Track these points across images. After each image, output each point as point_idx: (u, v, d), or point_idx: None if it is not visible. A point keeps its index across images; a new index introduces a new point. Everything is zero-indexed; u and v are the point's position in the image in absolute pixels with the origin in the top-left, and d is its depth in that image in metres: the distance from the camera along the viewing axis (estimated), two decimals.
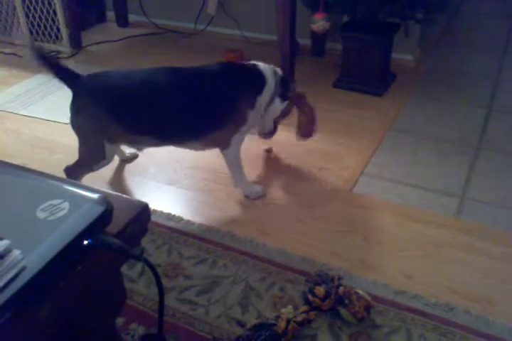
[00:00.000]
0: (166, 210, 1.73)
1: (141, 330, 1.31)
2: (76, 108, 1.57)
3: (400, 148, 2.10)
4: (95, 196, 0.76)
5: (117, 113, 1.56)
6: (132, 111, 1.57)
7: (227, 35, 3.14)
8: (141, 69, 1.62)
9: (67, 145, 2.09)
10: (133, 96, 1.55)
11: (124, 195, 0.86)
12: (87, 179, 1.74)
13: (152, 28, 3.29)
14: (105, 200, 0.75)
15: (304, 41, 2.90)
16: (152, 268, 0.79)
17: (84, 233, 0.71)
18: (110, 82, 1.57)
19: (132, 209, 0.82)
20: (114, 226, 0.77)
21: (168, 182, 1.91)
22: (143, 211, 0.82)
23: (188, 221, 1.68)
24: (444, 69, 2.75)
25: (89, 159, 1.68)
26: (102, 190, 0.82)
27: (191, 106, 1.59)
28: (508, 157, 2.03)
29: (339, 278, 1.38)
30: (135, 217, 0.81)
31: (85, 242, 0.71)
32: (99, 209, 0.74)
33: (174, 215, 1.70)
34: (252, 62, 1.81)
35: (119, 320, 1.32)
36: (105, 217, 0.74)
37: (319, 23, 2.36)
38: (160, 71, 1.61)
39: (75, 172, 1.71)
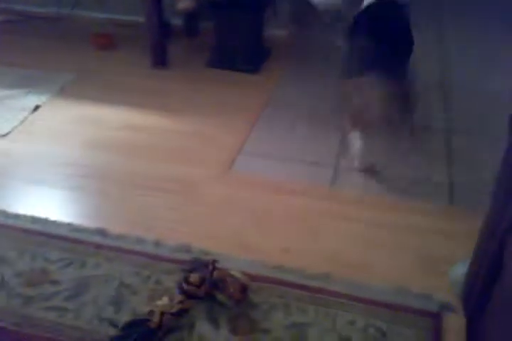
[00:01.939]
0: (29, 213, 1.59)
1: None
2: None
3: (277, 124, 2.09)
4: None
5: None
6: None
7: (94, 19, 2.94)
8: None
9: None
10: None
11: None
12: None
13: (10, 15, 3.00)
14: None
15: (178, 21, 2.79)
16: None
17: None
18: None
19: None
20: None
21: (32, 181, 1.76)
22: None
23: (54, 222, 1.56)
24: (317, 44, 2.78)
25: None
26: None
27: None
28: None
29: (214, 263, 1.34)
30: None
31: None
32: None
33: (39, 217, 1.57)
34: None
35: None
36: None
37: (184, 1, 2.28)
38: None
39: None
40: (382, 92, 1.64)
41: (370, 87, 1.66)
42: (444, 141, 2.00)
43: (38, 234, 1.51)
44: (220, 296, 1.29)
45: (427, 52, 2.59)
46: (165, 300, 1.28)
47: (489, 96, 2.26)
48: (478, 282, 1.26)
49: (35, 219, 1.56)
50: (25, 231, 1.52)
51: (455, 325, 1.28)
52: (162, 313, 1.23)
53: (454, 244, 1.52)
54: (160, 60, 2.46)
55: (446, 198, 1.70)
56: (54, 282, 1.36)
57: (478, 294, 1.26)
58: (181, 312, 1.26)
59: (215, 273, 1.30)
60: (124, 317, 1.26)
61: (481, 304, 1.22)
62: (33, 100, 2.19)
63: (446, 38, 2.81)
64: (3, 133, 1.99)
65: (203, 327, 1.25)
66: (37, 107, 2.15)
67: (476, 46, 2.72)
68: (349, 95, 1.78)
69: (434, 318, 1.30)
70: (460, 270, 1.38)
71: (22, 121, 2.06)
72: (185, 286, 1.29)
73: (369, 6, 1.82)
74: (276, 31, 2.74)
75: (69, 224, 1.55)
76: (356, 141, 1.78)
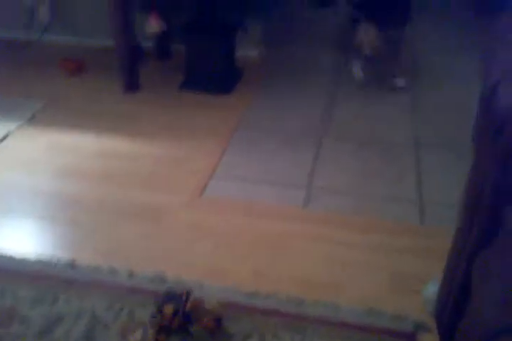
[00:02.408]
0: None
1: None
2: None
3: (249, 146, 2.10)
4: None
5: None
6: None
7: (63, 44, 2.92)
8: None
9: None
10: None
11: None
12: None
13: None
14: None
15: (150, 44, 2.79)
16: None
17: None
18: None
19: None
20: None
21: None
22: None
23: (22, 257, 1.52)
24: (288, 62, 2.82)
25: None
26: None
27: None
28: (350, 143, 2.12)
29: (188, 293, 1.33)
30: None
31: None
32: None
33: (5, 254, 1.53)
34: None
35: None
36: None
37: (153, 25, 2.29)
38: None
39: None
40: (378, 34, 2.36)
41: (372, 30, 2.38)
42: (413, 156, 2.02)
43: (6, 270, 1.47)
44: (194, 328, 1.27)
45: None
46: (138, 333, 1.26)
47: (456, 106, 2.31)
48: (450, 300, 1.26)
49: (2, 255, 1.53)
50: None
51: None
52: None
53: (426, 262, 1.53)
54: (131, 84, 2.46)
55: (417, 216, 1.72)
56: (24, 320, 1.32)
57: (450, 312, 1.27)
58: None
59: (189, 304, 1.29)
60: None
61: (454, 322, 1.22)
62: (0, 129, 2.16)
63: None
64: None
65: None
66: (6, 136, 2.12)
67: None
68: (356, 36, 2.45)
69: (409, 339, 1.30)
70: (433, 288, 1.39)
71: None
72: (158, 319, 1.27)
73: None
74: (248, 52, 2.77)
75: (38, 260, 1.51)
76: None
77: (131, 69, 2.45)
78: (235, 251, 1.58)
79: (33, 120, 2.24)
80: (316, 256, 1.55)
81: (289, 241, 1.61)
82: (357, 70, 2.55)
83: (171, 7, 2.34)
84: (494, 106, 0.89)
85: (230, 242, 1.61)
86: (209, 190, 1.84)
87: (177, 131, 2.18)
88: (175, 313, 1.28)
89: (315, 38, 3.14)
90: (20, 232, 1.66)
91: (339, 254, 1.56)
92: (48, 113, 2.30)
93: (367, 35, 2.40)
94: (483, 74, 1.02)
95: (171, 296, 1.32)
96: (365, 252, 1.57)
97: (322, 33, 3.22)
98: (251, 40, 2.70)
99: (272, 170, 1.95)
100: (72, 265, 1.49)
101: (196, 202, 1.79)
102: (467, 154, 1.16)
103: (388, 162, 1.99)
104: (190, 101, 2.41)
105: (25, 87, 2.50)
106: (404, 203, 1.78)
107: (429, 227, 1.67)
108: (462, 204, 1.17)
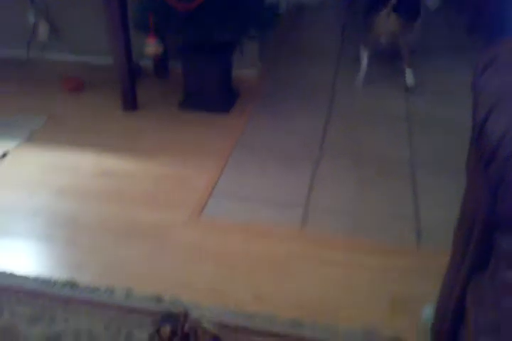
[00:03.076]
0: None
1: None
2: None
3: (248, 165, 2.12)
4: None
5: None
6: None
7: (63, 62, 2.97)
8: None
9: None
10: None
11: None
12: None
13: None
14: None
15: (148, 63, 2.84)
16: None
17: None
18: None
19: None
20: None
21: None
22: None
23: (21, 276, 1.53)
24: (285, 80, 2.86)
25: None
26: None
27: None
28: (347, 161, 2.15)
29: (186, 314, 1.34)
30: None
31: None
32: None
33: (4, 272, 1.55)
34: None
35: None
36: None
37: (151, 46, 2.32)
38: None
39: None
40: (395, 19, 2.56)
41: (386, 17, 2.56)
42: (409, 176, 2.05)
43: (4, 289, 1.48)
44: None
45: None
46: None
47: (451, 128, 2.34)
48: (446, 323, 1.28)
49: (1, 272, 1.54)
50: None
51: None
52: None
53: (425, 283, 1.54)
54: (130, 102, 2.49)
55: (414, 236, 1.74)
56: (21, 338, 1.33)
57: (446, 335, 1.28)
58: None
59: (187, 326, 1.30)
60: None
61: None
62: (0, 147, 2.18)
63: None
64: None
65: None
66: (4, 154, 2.14)
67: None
68: (369, 25, 2.66)
69: None
70: (431, 310, 1.40)
71: None
72: (156, 339, 1.28)
73: None
74: (245, 71, 2.81)
75: (36, 278, 1.52)
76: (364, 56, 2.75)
77: (131, 87, 2.49)
78: (233, 272, 1.59)
79: (32, 138, 2.26)
80: (314, 278, 1.56)
81: (287, 262, 1.63)
82: (361, 72, 2.77)
83: (168, 28, 2.38)
84: (485, 136, 0.92)
85: (228, 263, 1.62)
86: (208, 209, 1.86)
87: (176, 149, 2.21)
88: (173, 334, 1.28)
89: (313, 53, 3.20)
90: (19, 252, 1.67)
91: (337, 276, 1.57)
92: (47, 131, 2.33)
93: (387, 22, 2.56)
94: (474, 104, 1.05)
95: (168, 317, 1.33)
96: (363, 274, 1.58)
97: (320, 47, 3.29)
98: (248, 59, 2.74)
99: (270, 189, 1.97)
100: (70, 284, 1.50)
101: (196, 221, 1.81)
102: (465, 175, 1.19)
103: (386, 181, 2.01)
104: (189, 120, 2.44)
105: (25, 105, 2.53)
106: (401, 223, 1.80)
107: (427, 248, 1.69)
108: (456, 229, 1.19)
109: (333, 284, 1.54)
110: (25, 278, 1.52)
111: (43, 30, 2.89)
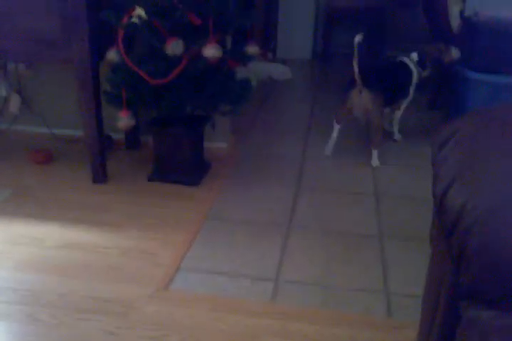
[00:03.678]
0: None
1: None
2: None
3: (217, 237, 2.11)
4: None
5: None
6: None
7: (32, 134, 2.98)
8: None
9: None
10: None
11: None
12: None
13: None
14: None
15: (119, 135, 2.88)
16: None
17: None
18: None
19: None
20: None
21: None
22: None
23: None
24: (256, 153, 2.94)
25: None
26: None
27: None
28: (316, 234, 2.17)
29: None
30: None
31: None
32: None
33: None
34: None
35: None
36: None
37: (123, 120, 2.38)
38: None
39: None
40: (367, 94, 2.66)
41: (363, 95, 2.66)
42: (378, 249, 2.07)
43: None
44: None
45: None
46: None
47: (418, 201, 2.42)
48: None
49: None
50: None
51: None
52: None
53: None
54: (100, 175, 2.49)
55: (384, 309, 1.73)
56: None
57: None
58: None
59: None
60: None
61: None
62: None
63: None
64: None
65: None
66: None
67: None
68: (345, 100, 2.73)
69: None
70: None
71: None
72: None
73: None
74: (216, 144, 2.89)
75: None
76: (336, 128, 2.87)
77: (101, 160, 2.50)
78: None
79: None
80: None
81: (256, 337, 1.58)
82: (329, 143, 2.89)
83: (141, 102, 2.45)
84: (445, 208, 0.96)
85: (196, 337, 1.56)
86: (175, 283, 1.81)
87: (144, 222, 2.19)
88: None
89: (283, 127, 3.33)
90: None
91: None
92: (12, 203, 2.29)
93: (358, 96, 2.65)
94: (434, 177, 1.10)
95: None
96: None
97: (289, 122, 3.43)
98: (220, 132, 2.82)
99: (239, 262, 1.95)
100: None
101: (163, 295, 1.75)
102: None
103: (354, 253, 2.03)
104: (159, 193, 2.45)
105: None
106: (370, 295, 1.79)
107: (396, 320, 1.68)
108: (423, 299, 1.20)
109: None
110: None
111: (14, 102, 2.93)
